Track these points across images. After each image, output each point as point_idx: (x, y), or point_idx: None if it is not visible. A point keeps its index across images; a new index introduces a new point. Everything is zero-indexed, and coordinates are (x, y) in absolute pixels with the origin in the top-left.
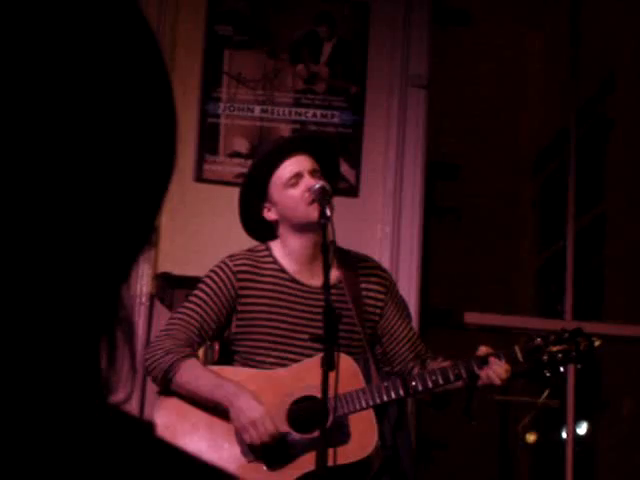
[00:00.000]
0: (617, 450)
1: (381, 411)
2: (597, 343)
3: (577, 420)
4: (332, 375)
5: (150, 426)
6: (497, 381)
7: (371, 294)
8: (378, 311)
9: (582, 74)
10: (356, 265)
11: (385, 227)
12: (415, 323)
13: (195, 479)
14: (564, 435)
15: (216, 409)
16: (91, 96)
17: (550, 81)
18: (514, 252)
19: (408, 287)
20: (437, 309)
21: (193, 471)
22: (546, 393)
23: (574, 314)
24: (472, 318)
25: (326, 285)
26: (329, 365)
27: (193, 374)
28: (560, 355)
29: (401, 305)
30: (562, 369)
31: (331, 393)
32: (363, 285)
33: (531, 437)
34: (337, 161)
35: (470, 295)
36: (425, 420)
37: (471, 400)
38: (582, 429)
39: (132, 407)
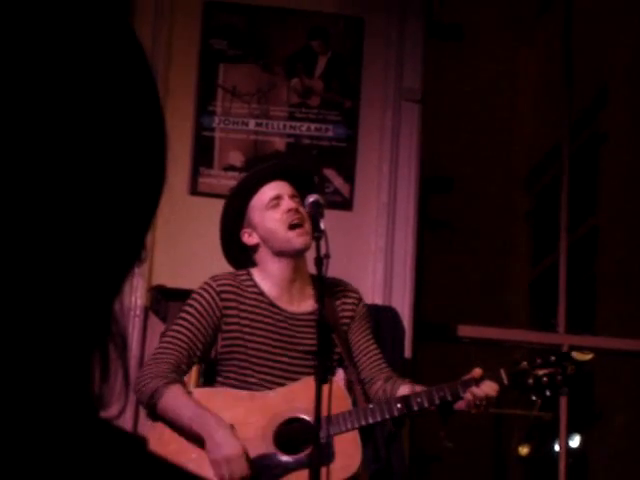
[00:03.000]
0: (610, 462)
1: (371, 430)
2: (589, 356)
3: (570, 433)
4: (323, 398)
5: (142, 441)
6: (483, 398)
7: (344, 314)
8: (349, 321)
9: (575, 89)
10: (330, 290)
11: (379, 240)
12: (408, 336)
13: None
14: (557, 448)
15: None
16: (80, 112)
17: (543, 95)
18: (507, 265)
19: (402, 300)
20: (430, 323)
21: None
22: (538, 402)
23: (567, 327)
24: (466, 331)
25: (320, 298)
26: (322, 378)
27: (175, 402)
28: (546, 379)
29: (368, 323)
30: (548, 393)
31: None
32: (337, 303)
33: (524, 450)
34: (314, 183)
35: (463, 308)
36: (420, 433)
37: (447, 417)
38: (575, 442)
39: (125, 422)
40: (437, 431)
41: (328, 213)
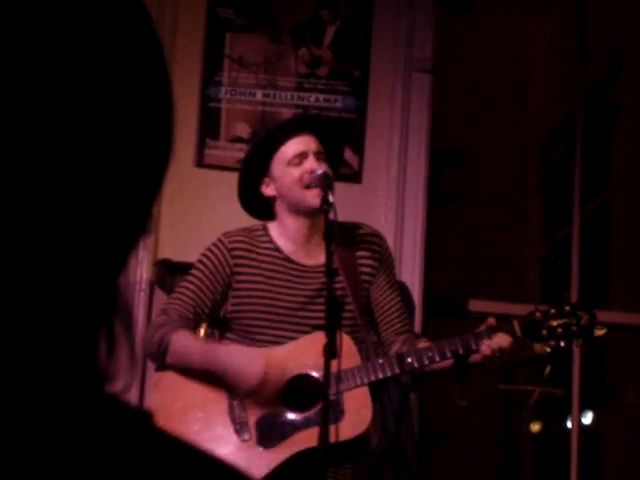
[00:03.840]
0: (622, 439)
1: (380, 391)
2: (602, 332)
3: (582, 409)
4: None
5: (148, 416)
6: (498, 350)
7: (365, 261)
8: (370, 278)
9: (589, 59)
10: (350, 236)
11: (388, 214)
12: (419, 311)
13: (193, 469)
14: (569, 424)
15: (210, 387)
16: (87, 81)
17: (557, 66)
18: (519, 239)
19: (412, 274)
20: (441, 297)
21: (191, 461)
22: (548, 369)
23: (580, 298)
24: (477, 306)
25: (329, 272)
26: (331, 353)
27: (183, 343)
28: (560, 330)
29: (392, 276)
30: (563, 344)
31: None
32: (357, 254)
33: (536, 426)
34: (342, 147)
35: (475, 282)
36: (429, 410)
37: (462, 375)
38: (587, 418)
39: (132, 396)
40: (451, 402)
41: (337, 185)
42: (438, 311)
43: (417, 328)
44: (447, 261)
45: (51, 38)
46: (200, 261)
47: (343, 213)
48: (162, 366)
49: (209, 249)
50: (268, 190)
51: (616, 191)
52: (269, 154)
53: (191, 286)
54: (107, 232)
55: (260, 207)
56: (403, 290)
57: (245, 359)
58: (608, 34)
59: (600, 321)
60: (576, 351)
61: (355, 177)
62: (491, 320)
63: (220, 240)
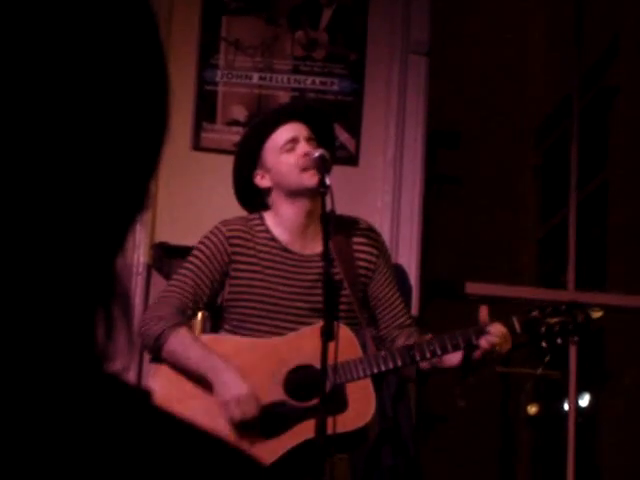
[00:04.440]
0: (619, 421)
1: (380, 382)
2: (599, 314)
3: (579, 391)
4: (330, 344)
5: (147, 394)
6: (498, 344)
7: (362, 256)
8: (369, 274)
9: (585, 40)
10: (347, 229)
11: (385, 196)
12: (415, 294)
13: (193, 447)
14: (566, 407)
15: (205, 380)
16: (82, 59)
17: (553, 48)
18: (516, 221)
19: (408, 257)
20: (438, 279)
21: (191, 439)
22: (547, 358)
23: (577, 284)
24: (474, 288)
25: (326, 256)
26: (328, 336)
27: (182, 345)
28: (557, 327)
29: (391, 271)
30: (560, 341)
31: (328, 362)
32: (355, 248)
33: (533, 409)
34: (332, 130)
35: (472, 265)
36: (427, 393)
37: (467, 374)
38: (584, 400)
39: (130, 377)
40: (449, 390)
41: (333, 168)
42: (435, 294)
43: (414, 311)
44: (444, 244)
45: (42, 17)
46: (198, 249)
47: (340, 196)
48: (156, 358)
49: (207, 237)
50: (263, 182)
51: (613, 173)
52: (259, 146)
53: (190, 274)
54: (104, 211)
55: (254, 199)
56: (400, 273)
57: (236, 381)
58: (605, 16)
59: (597, 303)
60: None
61: (352, 160)
62: (483, 313)
63: (218, 228)
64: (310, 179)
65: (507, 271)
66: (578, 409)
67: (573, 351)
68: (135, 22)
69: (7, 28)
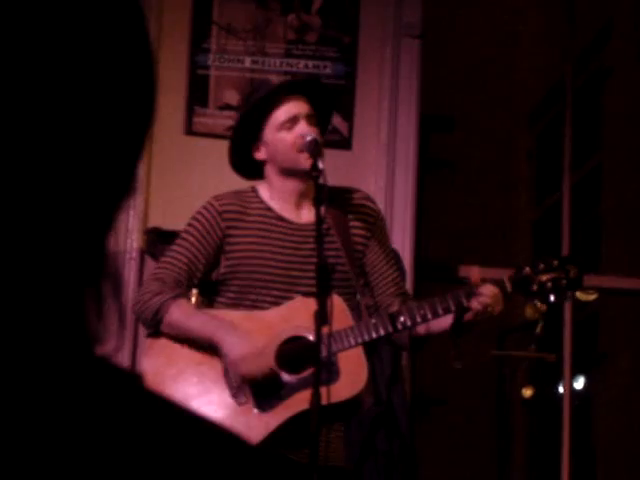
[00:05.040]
0: (614, 404)
1: (373, 350)
2: (593, 296)
3: (574, 374)
4: (323, 314)
5: (137, 377)
6: (490, 304)
7: (358, 224)
8: (364, 241)
9: (579, 22)
10: (344, 199)
11: (379, 180)
12: (410, 277)
13: (183, 430)
14: (561, 389)
15: (204, 352)
16: (67, 43)
17: (547, 30)
18: (510, 205)
19: (402, 240)
20: (432, 263)
21: (181, 422)
22: (540, 327)
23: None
24: (467, 271)
25: (319, 238)
26: (322, 320)
27: (183, 312)
28: (550, 284)
29: (387, 241)
30: (553, 298)
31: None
32: (350, 216)
33: (528, 392)
34: (332, 110)
35: (466, 248)
36: (423, 376)
37: (460, 335)
38: (579, 383)
39: (123, 358)
40: (443, 368)
41: (327, 152)
42: (429, 277)
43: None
44: (438, 227)
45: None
46: (190, 224)
47: (333, 180)
48: (155, 333)
49: (199, 212)
50: (260, 154)
51: (607, 155)
52: (261, 119)
53: (183, 250)
54: (92, 192)
55: (249, 168)
56: (394, 256)
57: (242, 339)
58: None
59: (592, 285)
60: (567, 316)
61: (345, 144)
62: (474, 273)
63: (210, 203)
64: (305, 161)
65: (502, 254)
66: (573, 392)
67: (568, 334)
68: (119, 5)
69: None
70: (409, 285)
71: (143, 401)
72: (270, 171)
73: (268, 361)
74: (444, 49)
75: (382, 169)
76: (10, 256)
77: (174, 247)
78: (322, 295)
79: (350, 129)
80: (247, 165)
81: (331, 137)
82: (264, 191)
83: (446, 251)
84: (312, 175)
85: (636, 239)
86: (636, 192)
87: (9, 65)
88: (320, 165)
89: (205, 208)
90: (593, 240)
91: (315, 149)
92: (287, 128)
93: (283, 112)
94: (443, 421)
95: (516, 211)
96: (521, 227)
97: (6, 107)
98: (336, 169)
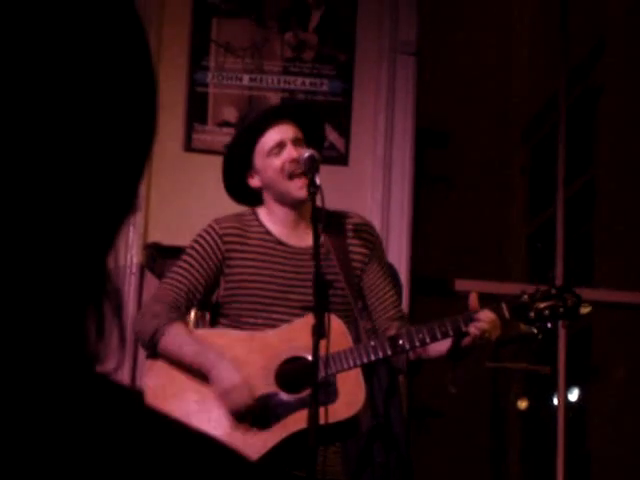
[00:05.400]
0: (608, 416)
1: (371, 373)
2: (587, 309)
3: (568, 386)
4: (322, 336)
5: (138, 395)
6: (488, 330)
7: (356, 249)
8: (362, 266)
9: (572, 40)
10: (341, 223)
11: (375, 195)
12: (405, 291)
13: (184, 447)
14: (555, 401)
15: (201, 373)
16: (71, 64)
17: (540, 47)
18: (505, 219)
19: (398, 255)
20: (427, 277)
21: (182, 440)
22: (535, 345)
23: (565, 280)
24: (463, 285)
25: (316, 255)
26: (319, 333)
27: (177, 340)
28: (547, 312)
29: (385, 264)
30: (550, 325)
31: (320, 353)
32: (349, 241)
33: (522, 404)
34: (322, 128)
35: (461, 263)
36: (421, 389)
37: (457, 359)
38: (573, 395)
39: (123, 376)
40: (439, 380)
41: (323, 168)
42: (425, 291)
43: (404, 309)
44: (434, 242)
45: (32, 20)
46: (192, 247)
47: (330, 196)
48: (153, 355)
49: (200, 235)
50: (254, 182)
51: (600, 170)
52: (250, 147)
53: (183, 272)
54: (94, 211)
55: (248, 195)
56: (390, 271)
57: (230, 372)
58: (591, 15)
59: (585, 299)
60: (562, 329)
61: (341, 159)
62: (473, 299)
63: (211, 226)
64: (298, 190)
65: (496, 268)
66: (567, 403)
67: (562, 347)
68: (122, 26)
69: None
70: (405, 299)
71: (143, 418)
72: (267, 197)
73: (267, 382)
74: (439, 65)
75: (378, 184)
76: (11, 273)
77: (175, 269)
78: (319, 310)
79: (347, 145)
80: (245, 193)
81: (328, 153)
82: (263, 215)
83: (440, 265)
84: (309, 194)
85: (629, 253)
86: (629, 206)
87: (14, 82)
88: (317, 181)
89: (206, 231)
90: (587, 254)
91: (312, 165)
92: (275, 154)
93: (269, 139)
94: (439, 433)
95: (511, 225)
96: (515, 241)
97: (11, 124)
98: (333, 185)
